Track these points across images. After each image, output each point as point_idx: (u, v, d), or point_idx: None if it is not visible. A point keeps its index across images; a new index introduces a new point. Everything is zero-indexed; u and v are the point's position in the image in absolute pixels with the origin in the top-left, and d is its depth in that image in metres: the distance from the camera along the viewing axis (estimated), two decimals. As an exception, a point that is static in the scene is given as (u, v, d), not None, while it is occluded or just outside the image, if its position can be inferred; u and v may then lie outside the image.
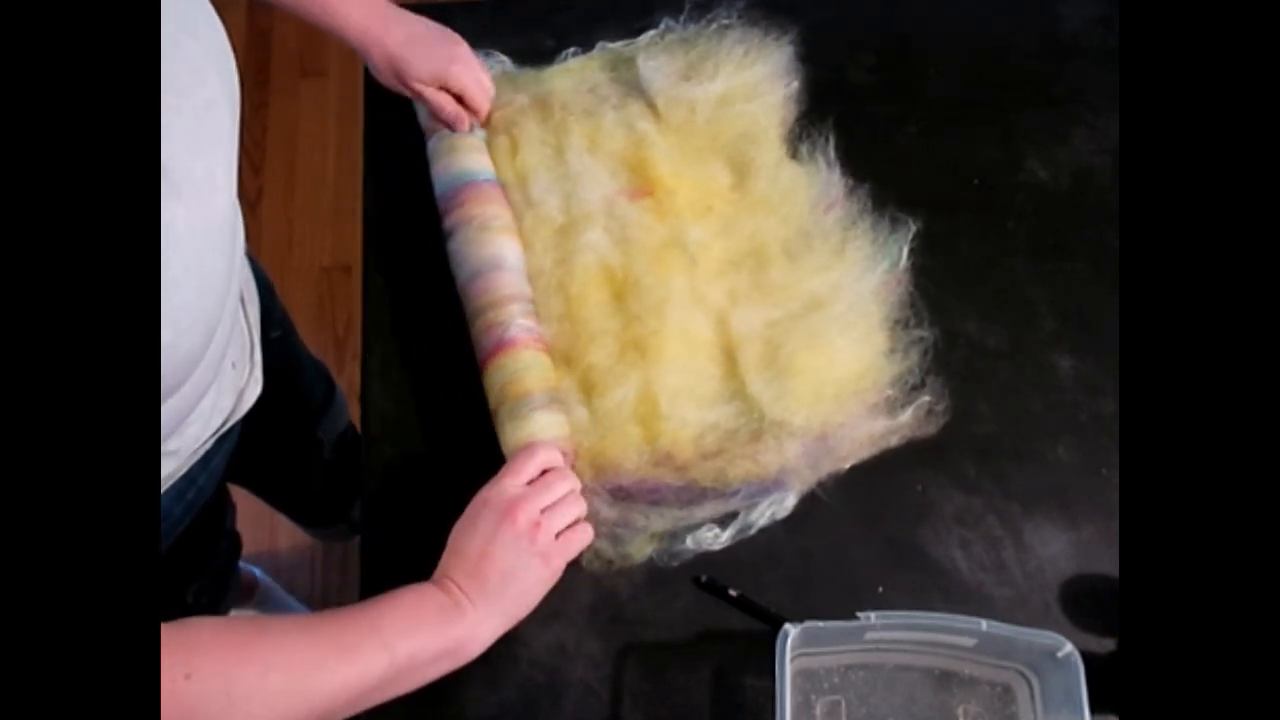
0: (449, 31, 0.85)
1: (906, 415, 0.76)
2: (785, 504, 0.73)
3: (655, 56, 0.89)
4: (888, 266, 0.81)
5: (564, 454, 0.71)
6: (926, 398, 0.76)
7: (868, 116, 0.91)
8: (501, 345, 0.74)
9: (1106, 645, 0.71)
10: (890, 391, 0.76)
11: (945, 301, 0.83)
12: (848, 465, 0.74)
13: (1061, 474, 0.77)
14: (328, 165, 1.85)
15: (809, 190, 0.83)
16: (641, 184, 0.83)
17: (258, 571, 1.45)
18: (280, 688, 0.53)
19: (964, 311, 0.82)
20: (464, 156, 0.83)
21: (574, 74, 0.90)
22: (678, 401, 0.73)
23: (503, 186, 0.83)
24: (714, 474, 0.72)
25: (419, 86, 0.83)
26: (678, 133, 0.85)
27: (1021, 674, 0.67)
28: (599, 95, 0.88)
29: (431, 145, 0.85)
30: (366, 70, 0.89)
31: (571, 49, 0.91)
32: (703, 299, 0.78)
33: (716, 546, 0.72)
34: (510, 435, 0.71)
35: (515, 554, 0.64)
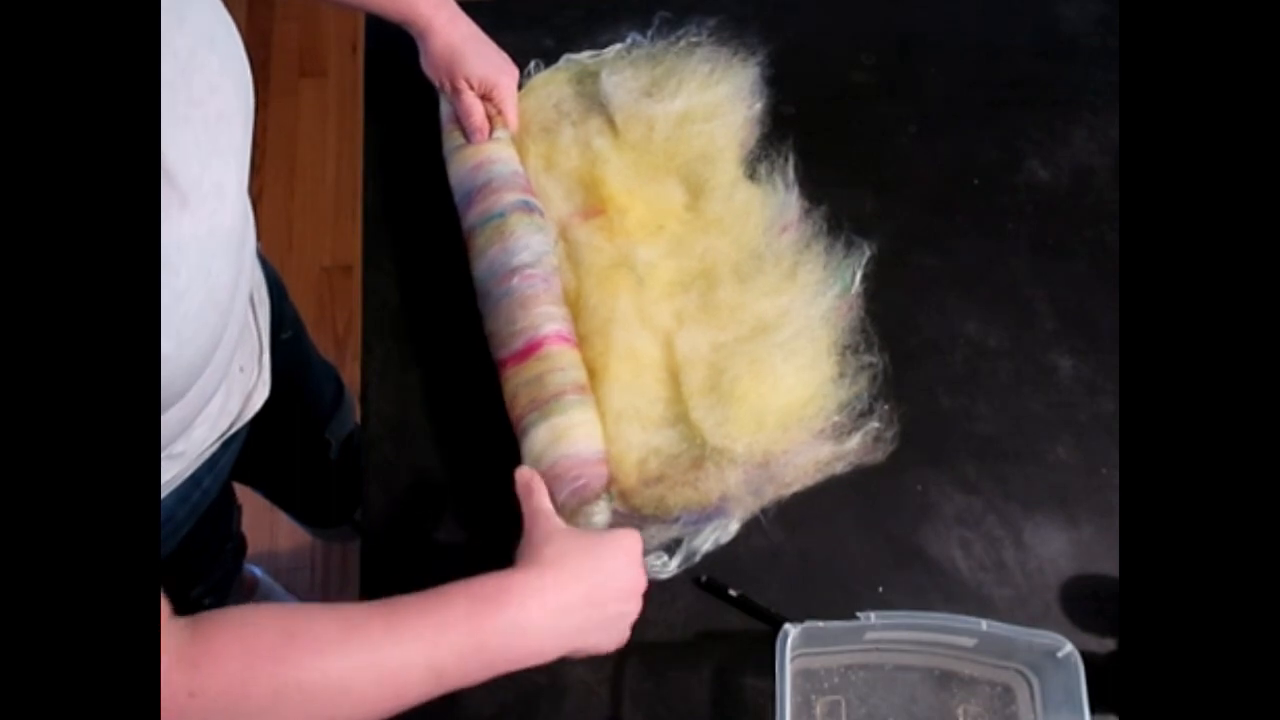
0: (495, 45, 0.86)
1: (853, 442, 0.74)
2: (729, 529, 0.71)
3: (619, 71, 0.87)
4: (839, 291, 0.79)
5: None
6: (875, 424, 0.75)
7: (867, 116, 0.91)
8: (544, 341, 0.72)
9: (1106, 645, 0.71)
10: (837, 418, 0.74)
11: (945, 301, 0.83)
12: (791, 491, 0.73)
13: (1061, 474, 0.77)
14: (328, 165, 1.85)
15: (763, 211, 0.82)
16: (595, 203, 0.81)
17: (258, 571, 1.45)
18: (293, 711, 0.49)
19: (964, 311, 0.82)
20: (487, 150, 0.82)
21: (538, 92, 0.88)
22: (622, 423, 0.72)
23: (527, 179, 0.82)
24: (655, 502, 0.70)
25: (463, 84, 0.82)
26: (634, 150, 0.84)
27: (1021, 674, 0.67)
28: (561, 111, 0.87)
29: (450, 143, 0.84)
30: (367, 70, 0.90)
31: (534, 62, 0.90)
32: (649, 320, 0.76)
33: (664, 575, 0.70)
34: (542, 434, 0.69)
35: (619, 615, 0.60)
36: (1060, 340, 0.82)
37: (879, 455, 0.74)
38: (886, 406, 0.76)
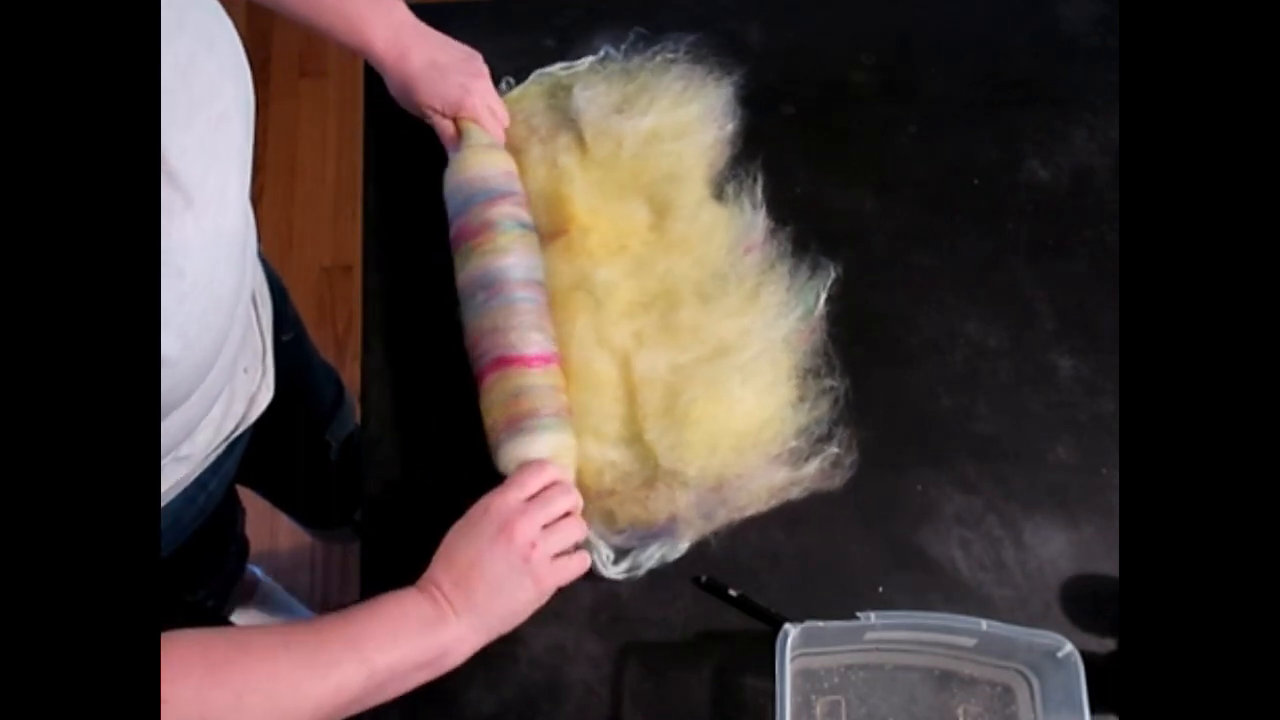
0: (471, 56, 0.85)
1: (811, 468, 0.73)
2: (677, 548, 0.71)
3: (592, 86, 0.86)
4: (802, 313, 0.78)
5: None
6: (834, 450, 0.74)
7: (868, 116, 0.91)
8: (555, 357, 0.73)
9: (1106, 645, 0.71)
10: (794, 443, 0.73)
11: (945, 301, 0.83)
12: (744, 515, 0.72)
13: (1061, 474, 0.77)
14: (328, 165, 1.85)
15: (728, 232, 0.80)
16: (559, 223, 0.80)
17: (259, 572, 1.45)
18: (255, 709, 0.53)
19: (964, 311, 0.82)
20: (512, 163, 0.81)
21: (509, 109, 0.86)
22: (581, 439, 0.72)
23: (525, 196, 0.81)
24: (602, 514, 0.71)
25: (428, 111, 0.82)
26: (601, 167, 0.83)
27: (1021, 674, 0.67)
28: (530, 127, 0.86)
29: (479, 138, 0.83)
30: (367, 70, 0.89)
31: (508, 77, 0.89)
32: (607, 341, 0.75)
33: (606, 574, 0.70)
34: (512, 453, 0.70)
35: (507, 570, 0.63)
36: (1060, 340, 0.82)
37: (836, 481, 0.73)
38: (847, 431, 0.74)
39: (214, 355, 0.55)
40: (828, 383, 0.76)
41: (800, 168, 0.88)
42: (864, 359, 0.80)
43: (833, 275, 0.80)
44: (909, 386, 0.79)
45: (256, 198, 1.80)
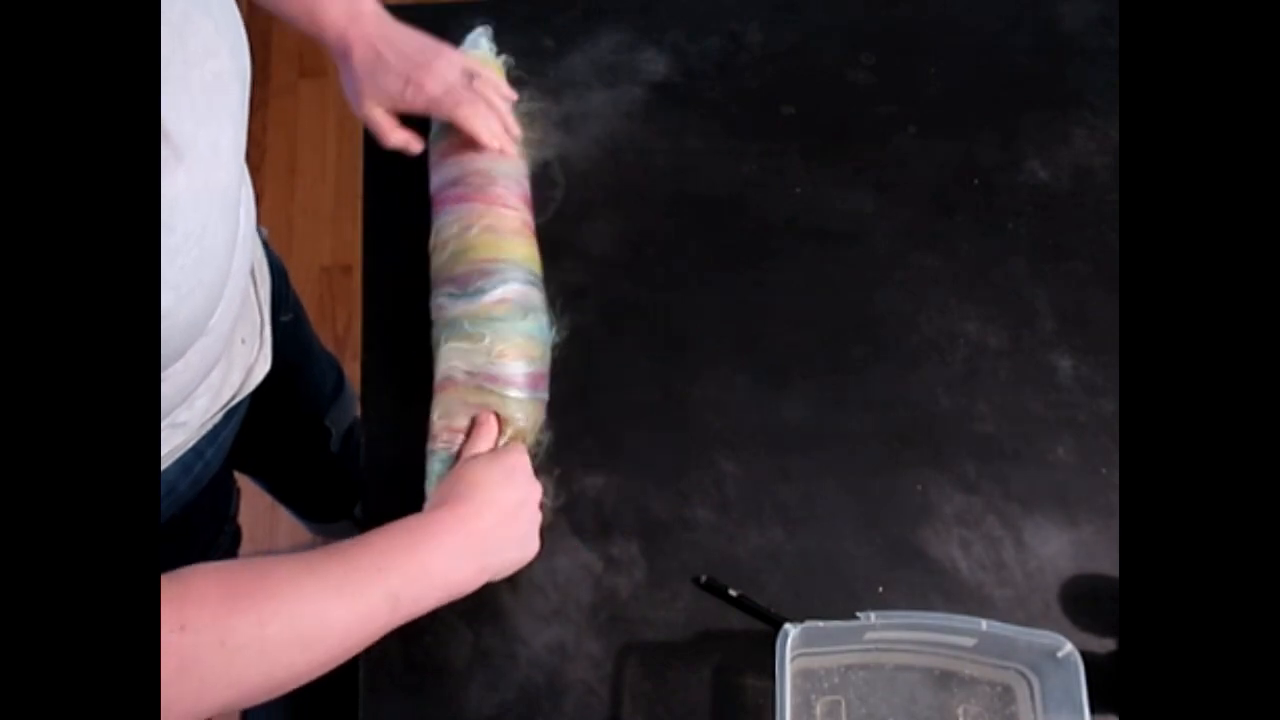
0: (424, 46, 0.82)
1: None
2: None
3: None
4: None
5: None
6: (556, 470, 0.76)
7: (868, 116, 0.91)
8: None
9: (1106, 645, 0.71)
10: None
11: (945, 301, 0.83)
12: None
13: (1061, 474, 0.77)
14: (328, 165, 1.85)
15: None
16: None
17: (258, 571, 1.45)
18: (279, 637, 0.53)
19: (964, 311, 0.82)
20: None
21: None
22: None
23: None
24: None
25: (367, 110, 0.81)
26: None
27: (1021, 674, 0.67)
28: None
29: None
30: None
31: (486, 27, 0.89)
32: None
33: None
34: None
35: (530, 525, 0.68)
36: (1060, 340, 0.82)
37: (546, 519, 0.73)
38: (552, 478, 0.75)
39: (207, 313, 0.54)
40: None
41: (800, 168, 0.88)
42: (864, 359, 0.80)
43: (563, 333, 0.79)
44: (909, 386, 0.79)
45: (257, 198, 1.81)
